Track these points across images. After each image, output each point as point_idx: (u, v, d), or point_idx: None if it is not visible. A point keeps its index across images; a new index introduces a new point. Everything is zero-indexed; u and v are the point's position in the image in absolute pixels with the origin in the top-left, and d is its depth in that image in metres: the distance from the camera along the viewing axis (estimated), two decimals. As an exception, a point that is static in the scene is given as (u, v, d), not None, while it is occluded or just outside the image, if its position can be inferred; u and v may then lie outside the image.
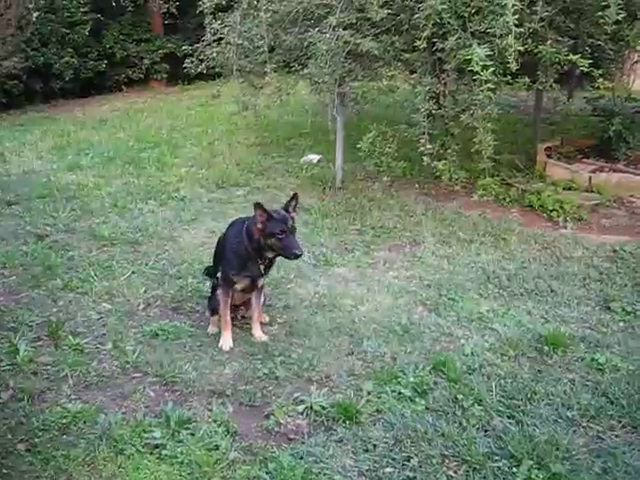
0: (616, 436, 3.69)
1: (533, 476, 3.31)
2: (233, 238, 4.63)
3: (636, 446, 3.59)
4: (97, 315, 5.03)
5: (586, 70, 6.01)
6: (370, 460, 3.46)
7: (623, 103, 8.94)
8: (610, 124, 8.42)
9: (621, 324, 5.05)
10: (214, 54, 7.92)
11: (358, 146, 7.05)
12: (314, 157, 9.55)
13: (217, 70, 8.51)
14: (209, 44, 8.01)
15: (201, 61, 8.25)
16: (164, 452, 3.48)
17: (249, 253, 4.49)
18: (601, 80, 6.32)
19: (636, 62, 11.17)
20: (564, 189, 7.87)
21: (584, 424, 3.78)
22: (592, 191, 7.90)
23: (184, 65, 8.63)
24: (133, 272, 5.78)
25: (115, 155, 9.83)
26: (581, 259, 6.21)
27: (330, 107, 7.71)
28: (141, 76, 18.14)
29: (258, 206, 4.35)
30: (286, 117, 12.26)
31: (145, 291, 5.44)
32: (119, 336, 4.68)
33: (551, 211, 7.36)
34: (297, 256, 4.43)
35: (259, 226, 4.36)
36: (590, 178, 8.03)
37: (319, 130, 10.30)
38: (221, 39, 7.82)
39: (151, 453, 3.48)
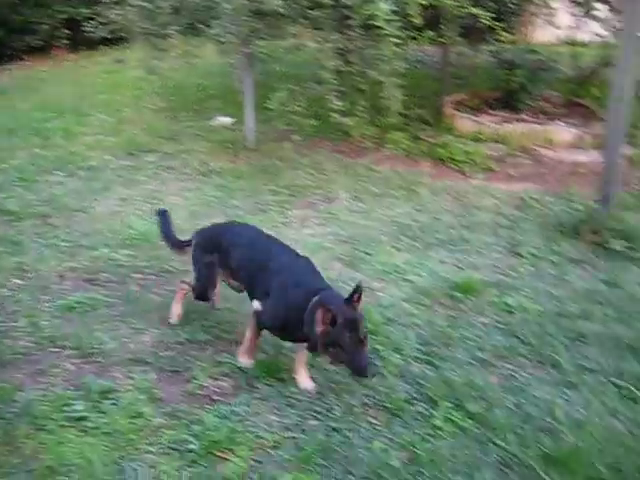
0: (527, 373, 3.88)
1: (451, 417, 3.46)
2: (291, 299, 3.60)
3: (544, 381, 3.79)
4: (9, 292, 4.84)
5: (488, 23, 6.12)
6: (295, 415, 3.53)
7: (525, 56, 9.16)
8: (513, 76, 8.64)
9: (529, 267, 5.27)
10: (114, 16, 7.63)
11: (269, 106, 6.99)
12: (226, 119, 9.40)
13: (121, 34, 8.21)
14: (109, 5, 7.71)
15: (102, 25, 7.94)
16: (87, 424, 3.43)
17: (301, 330, 3.53)
18: (504, 34, 6.45)
19: (534, 14, 11.43)
20: (472, 141, 8.07)
21: (497, 364, 3.96)
22: (499, 142, 8.13)
23: (84, 29, 8.28)
24: (44, 246, 5.59)
25: (17, 126, 9.39)
26: (490, 208, 6.43)
27: (238, 68, 7.61)
28: (42, 43, 17.31)
29: (321, 305, 3.34)
30: (194, 80, 12.01)
31: (58, 264, 5.28)
32: (33, 312, 4.54)
33: (460, 163, 7.54)
34: (362, 376, 3.42)
35: (320, 329, 3.36)
36: (497, 129, 8.25)
37: (228, 92, 10.16)
38: (122, 0, 7.54)
39: (74, 427, 3.41)
